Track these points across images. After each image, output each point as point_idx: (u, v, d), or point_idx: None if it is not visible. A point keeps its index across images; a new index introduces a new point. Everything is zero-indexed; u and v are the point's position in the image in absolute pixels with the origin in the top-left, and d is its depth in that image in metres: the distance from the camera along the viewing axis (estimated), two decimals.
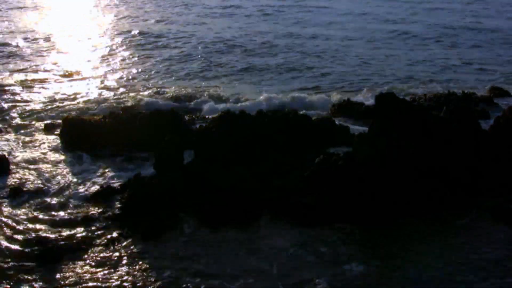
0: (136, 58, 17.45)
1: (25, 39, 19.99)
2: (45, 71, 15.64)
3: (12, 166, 8.83)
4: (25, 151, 9.63)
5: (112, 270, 6.13)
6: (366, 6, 30.18)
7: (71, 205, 7.64)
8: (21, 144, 10.02)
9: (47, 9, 28.37)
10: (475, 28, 23.51)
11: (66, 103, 12.70)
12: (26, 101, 12.83)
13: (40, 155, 9.45)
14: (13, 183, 8.27)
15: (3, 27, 22.54)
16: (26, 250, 6.50)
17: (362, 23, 24.70)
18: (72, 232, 6.93)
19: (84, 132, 9.84)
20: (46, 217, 7.30)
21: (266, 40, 20.19)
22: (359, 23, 24.70)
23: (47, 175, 8.63)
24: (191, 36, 20.86)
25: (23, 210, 7.49)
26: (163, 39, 20.45)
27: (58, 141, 10.10)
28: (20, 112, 11.92)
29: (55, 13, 27.12)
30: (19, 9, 28.16)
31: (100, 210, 7.47)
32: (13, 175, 8.58)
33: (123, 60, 17.22)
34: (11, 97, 13.06)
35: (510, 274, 6.10)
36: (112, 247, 6.59)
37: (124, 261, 6.30)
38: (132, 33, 21.40)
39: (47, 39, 20.03)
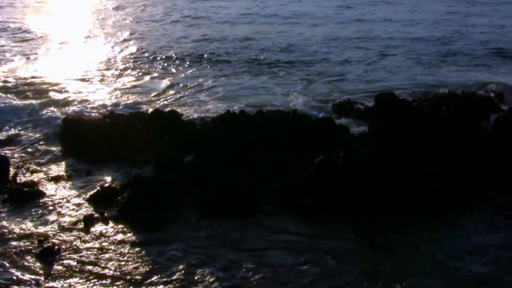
0: (136, 57, 17.46)
1: (20, 37, 20.03)
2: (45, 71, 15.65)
3: (11, 167, 8.82)
4: (25, 152, 9.63)
5: (112, 266, 6.15)
6: None
7: (71, 205, 7.65)
8: (21, 144, 10.02)
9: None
10: None
11: (66, 103, 12.68)
12: (26, 101, 12.81)
13: (40, 156, 9.46)
14: (13, 183, 8.26)
15: None
16: (26, 248, 6.50)
17: None
18: (72, 231, 6.93)
19: (84, 132, 9.84)
20: (46, 217, 7.31)
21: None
22: None
23: (47, 175, 8.64)
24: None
25: (23, 210, 7.49)
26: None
27: (58, 141, 10.10)
28: (19, 112, 11.92)
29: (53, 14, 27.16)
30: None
31: (100, 210, 7.47)
32: (13, 175, 8.57)
33: (124, 58, 17.24)
34: (10, 96, 13.06)
35: (509, 274, 6.11)
36: (111, 246, 6.60)
37: (124, 257, 6.32)
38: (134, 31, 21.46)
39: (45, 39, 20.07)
